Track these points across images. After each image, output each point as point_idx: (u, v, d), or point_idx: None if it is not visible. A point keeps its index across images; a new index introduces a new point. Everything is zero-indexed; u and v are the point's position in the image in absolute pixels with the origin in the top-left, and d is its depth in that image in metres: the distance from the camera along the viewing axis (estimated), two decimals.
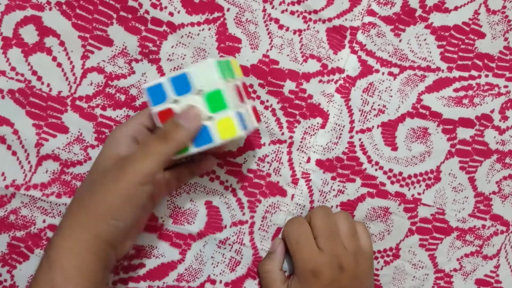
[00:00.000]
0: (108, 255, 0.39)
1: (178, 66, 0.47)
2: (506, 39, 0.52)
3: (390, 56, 0.50)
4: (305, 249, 0.45)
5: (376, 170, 0.51)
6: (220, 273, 0.49)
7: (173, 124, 0.39)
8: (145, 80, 0.47)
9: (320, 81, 0.49)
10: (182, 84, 0.39)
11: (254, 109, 0.44)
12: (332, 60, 0.49)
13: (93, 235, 0.37)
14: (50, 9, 0.45)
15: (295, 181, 0.50)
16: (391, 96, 0.50)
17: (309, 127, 0.50)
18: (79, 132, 0.46)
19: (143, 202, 0.39)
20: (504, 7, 0.52)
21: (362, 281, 0.46)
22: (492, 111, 0.52)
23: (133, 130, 0.42)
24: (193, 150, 0.40)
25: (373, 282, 0.48)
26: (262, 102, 0.49)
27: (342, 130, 0.50)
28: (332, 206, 0.50)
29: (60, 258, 0.37)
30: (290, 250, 0.46)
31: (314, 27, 0.49)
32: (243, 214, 0.49)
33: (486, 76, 0.52)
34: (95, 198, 0.38)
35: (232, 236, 0.49)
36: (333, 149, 0.50)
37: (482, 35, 0.52)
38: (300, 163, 0.50)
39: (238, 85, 0.42)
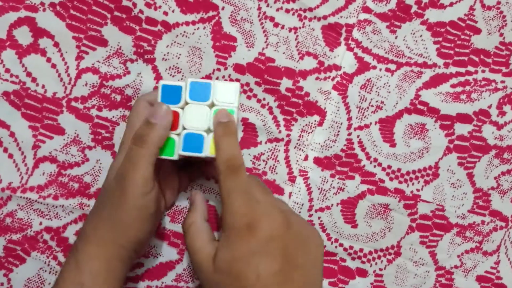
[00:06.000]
0: (131, 259, 0.39)
1: (173, 66, 0.44)
2: (501, 34, 0.49)
3: (386, 52, 0.47)
4: (238, 199, 0.34)
5: (374, 166, 0.47)
6: None
7: (146, 125, 0.36)
8: (140, 80, 0.43)
9: (317, 78, 0.46)
10: (201, 91, 0.37)
11: None
12: (329, 57, 0.46)
13: (118, 246, 0.37)
14: (44, 10, 0.41)
15: (292, 179, 0.46)
16: (389, 92, 0.47)
17: (306, 124, 0.46)
18: (75, 133, 0.43)
19: (152, 210, 0.37)
20: (498, 2, 0.48)
21: (311, 257, 0.34)
22: (489, 107, 0.49)
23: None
24: (180, 153, 0.37)
25: (321, 275, 0.36)
26: (258, 100, 0.45)
27: (340, 127, 0.46)
28: (332, 204, 0.47)
29: (89, 263, 0.36)
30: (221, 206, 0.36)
31: (309, 25, 0.45)
32: None
33: (483, 71, 0.48)
34: (110, 217, 0.37)
35: None
36: (331, 147, 0.46)
37: (477, 31, 0.48)
38: (297, 161, 0.46)
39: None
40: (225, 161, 0.35)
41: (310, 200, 0.46)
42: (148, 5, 0.43)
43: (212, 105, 0.37)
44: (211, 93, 0.37)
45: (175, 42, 0.43)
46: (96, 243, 0.37)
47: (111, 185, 0.37)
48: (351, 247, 0.47)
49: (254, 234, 0.32)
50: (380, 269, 0.48)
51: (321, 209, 0.47)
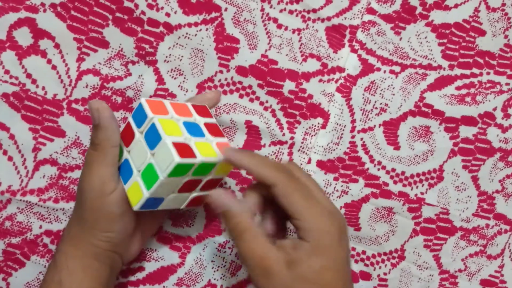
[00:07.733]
0: (112, 259, 0.38)
1: (175, 68, 0.43)
2: (506, 36, 0.48)
3: (390, 54, 0.46)
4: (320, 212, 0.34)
5: (378, 170, 0.46)
6: (221, 278, 0.45)
7: (93, 128, 0.36)
8: (141, 82, 0.43)
9: (320, 80, 0.45)
10: (153, 137, 0.35)
11: (197, 199, 0.38)
12: (332, 59, 0.45)
13: (92, 245, 0.37)
14: (45, 11, 0.41)
15: None
16: (394, 95, 0.46)
17: (309, 127, 0.45)
18: (76, 135, 0.42)
19: (118, 211, 0.36)
20: (503, 4, 0.47)
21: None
22: (494, 109, 0.48)
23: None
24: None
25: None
26: (261, 103, 0.44)
27: (343, 130, 0.45)
28: None
29: (66, 261, 0.37)
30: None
31: (313, 26, 0.45)
32: None
33: (488, 73, 0.48)
34: (77, 216, 0.38)
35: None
36: (334, 150, 0.45)
37: (482, 33, 0.47)
38: (301, 164, 0.45)
39: (202, 180, 0.37)
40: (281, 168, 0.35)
41: None
42: (150, 6, 0.42)
43: (152, 155, 0.35)
44: (154, 148, 0.35)
45: (177, 43, 0.43)
46: (70, 242, 0.37)
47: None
48: (353, 249, 0.47)
49: (343, 244, 0.34)
50: (385, 273, 0.47)
51: None
